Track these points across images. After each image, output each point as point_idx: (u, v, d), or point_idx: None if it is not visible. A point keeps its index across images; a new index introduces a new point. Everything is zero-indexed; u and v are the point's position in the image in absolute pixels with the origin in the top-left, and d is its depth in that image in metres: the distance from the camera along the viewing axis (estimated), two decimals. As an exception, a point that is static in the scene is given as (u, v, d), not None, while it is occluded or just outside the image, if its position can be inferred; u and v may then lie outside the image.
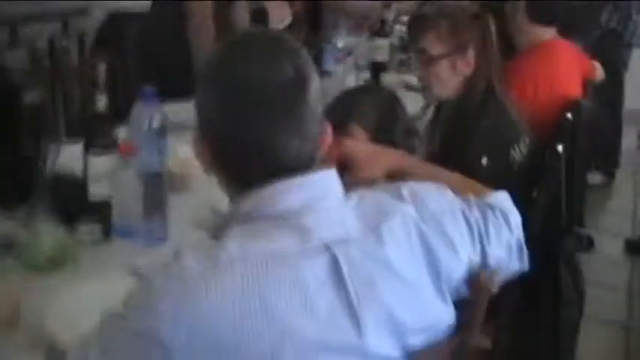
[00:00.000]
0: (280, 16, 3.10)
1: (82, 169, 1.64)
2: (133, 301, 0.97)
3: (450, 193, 1.23)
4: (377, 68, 3.20)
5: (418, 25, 2.06)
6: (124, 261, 1.51)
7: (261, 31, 1.50)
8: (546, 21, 2.74)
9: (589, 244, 3.69)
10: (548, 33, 2.76)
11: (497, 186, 1.62)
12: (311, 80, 1.07)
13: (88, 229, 1.59)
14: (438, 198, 1.20)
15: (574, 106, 2.52)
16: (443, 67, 1.99)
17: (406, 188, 1.18)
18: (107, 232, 1.62)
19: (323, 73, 2.87)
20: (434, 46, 1.98)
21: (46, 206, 1.60)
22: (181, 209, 1.74)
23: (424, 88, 2.13)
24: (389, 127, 1.85)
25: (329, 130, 1.12)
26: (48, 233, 1.52)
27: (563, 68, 2.73)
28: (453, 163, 1.56)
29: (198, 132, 1.08)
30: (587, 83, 2.85)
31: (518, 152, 1.97)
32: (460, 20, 1.99)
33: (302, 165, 1.05)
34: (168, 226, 1.66)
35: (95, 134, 1.62)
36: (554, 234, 2.07)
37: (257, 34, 1.21)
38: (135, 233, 1.63)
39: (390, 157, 1.50)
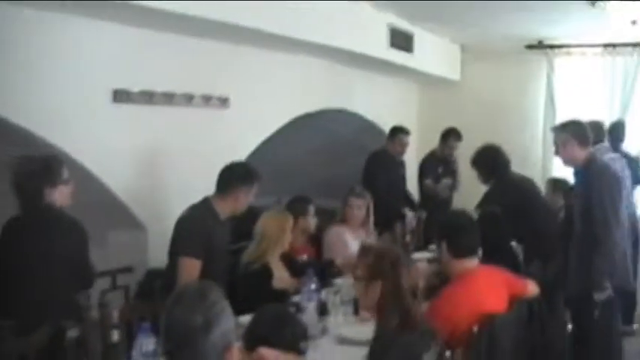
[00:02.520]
0: None
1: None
2: None
3: None
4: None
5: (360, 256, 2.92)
6: None
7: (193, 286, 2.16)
8: (464, 255, 3.41)
9: None
10: (469, 263, 3.40)
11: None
12: (217, 323, 1.87)
13: None
14: None
15: (486, 320, 3.14)
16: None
17: None
18: None
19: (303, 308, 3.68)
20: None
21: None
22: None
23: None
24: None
25: (233, 350, 1.92)
26: None
27: (484, 290, 3.31)
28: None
29: None
30: (513, 300, 3.44)
31: (430, 357, 2.63)
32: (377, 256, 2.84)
33: None
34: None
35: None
36: None
37: (189, 288, 2.05)
38: None
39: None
